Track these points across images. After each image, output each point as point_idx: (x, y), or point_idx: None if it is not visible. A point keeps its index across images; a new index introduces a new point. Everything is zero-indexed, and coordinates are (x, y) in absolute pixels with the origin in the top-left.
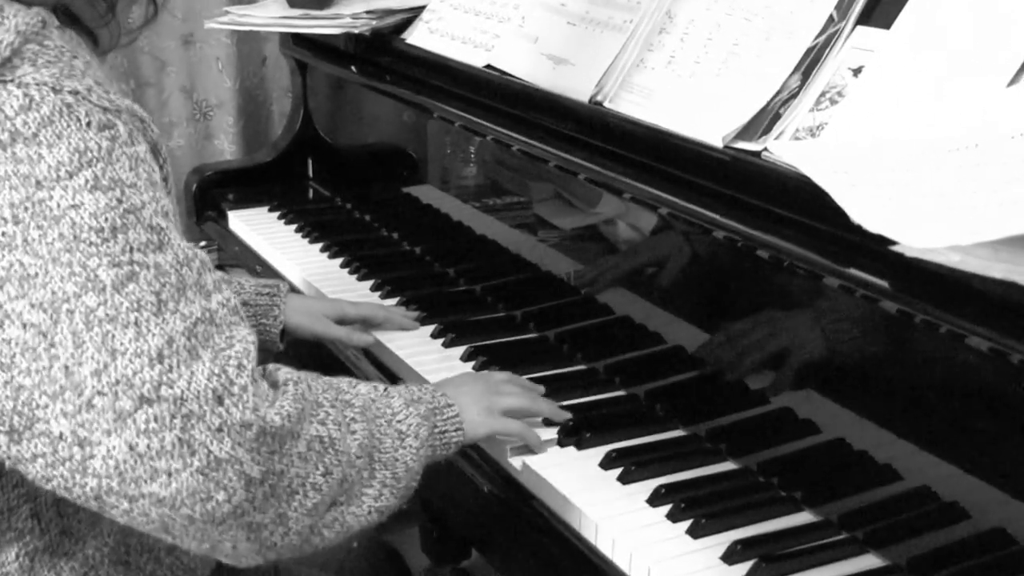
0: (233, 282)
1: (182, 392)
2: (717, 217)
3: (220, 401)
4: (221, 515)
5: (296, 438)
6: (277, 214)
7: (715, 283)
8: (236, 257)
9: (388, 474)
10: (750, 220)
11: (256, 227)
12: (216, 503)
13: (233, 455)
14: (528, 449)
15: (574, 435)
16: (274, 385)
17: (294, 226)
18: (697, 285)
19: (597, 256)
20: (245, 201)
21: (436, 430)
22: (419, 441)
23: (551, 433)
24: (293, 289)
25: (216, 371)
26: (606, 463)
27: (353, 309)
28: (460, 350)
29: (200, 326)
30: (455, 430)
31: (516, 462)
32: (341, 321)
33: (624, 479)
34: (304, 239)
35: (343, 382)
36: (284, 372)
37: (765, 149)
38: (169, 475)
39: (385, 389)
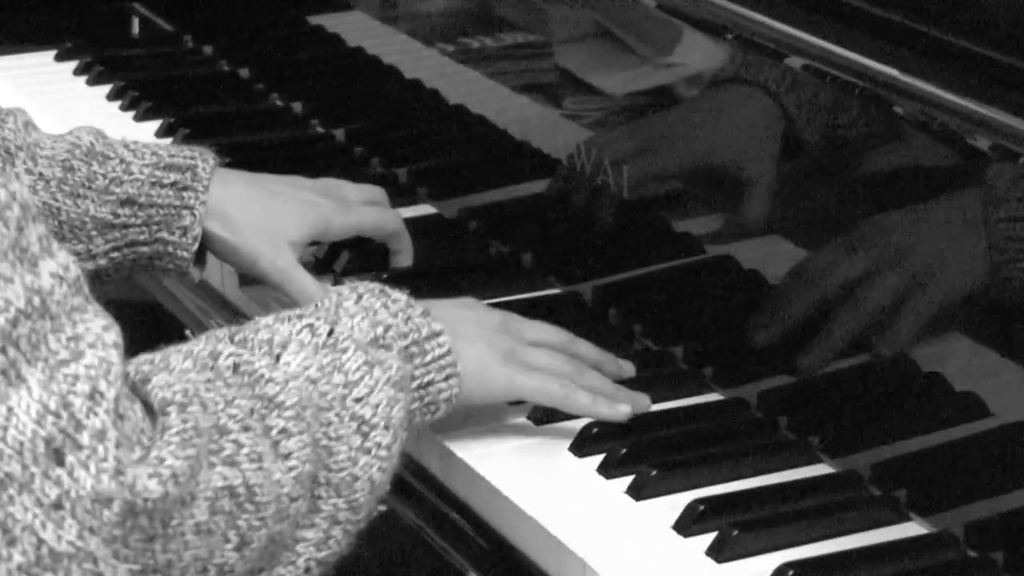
0: (116, 153)
1: None
2: (895, 74)
3: (58, 458)
4: None
5: (189, 503)
6: (73, 66)
7: (888, 189)
8: None
9: (341, 503)
10: (947, 74)
11: (33, 90)
12: None
13: (82, 548)
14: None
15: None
16: (149, 410)
17: (106, 88)
18: (857, 191)
19: (671, 142)
20: (9, 40)
21: (415, 383)
22: (392, 431)
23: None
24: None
25: (52, 405)
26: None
27: (343, 219)
28: None
29: (23, 324)
30: (444, 379)
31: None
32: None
33: None
34: (127, 113)
35: (259, 349)
36: (158, 384)
37: None
38: None
39: (330, 331)
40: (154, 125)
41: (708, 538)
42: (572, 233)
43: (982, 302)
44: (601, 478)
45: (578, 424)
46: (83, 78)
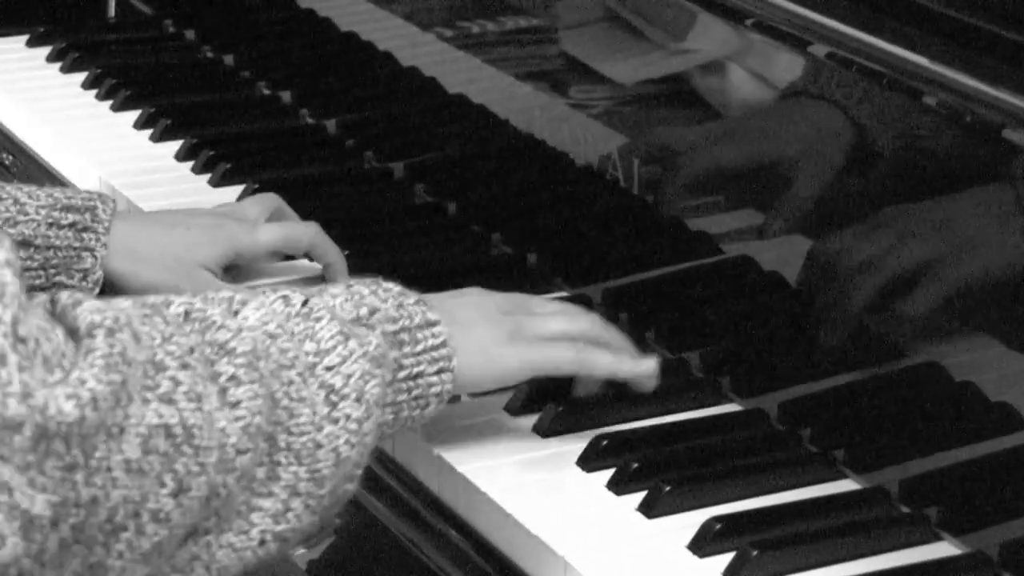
0: (8, 194)
1: None
2: (923, 62)
3: None
4: None
5: (117, 436)
6: (47, 52)
7: (918, 184)
8: None
9: (303, 472)
10: (982, 64)
11: (3, 78)
12: None
13: None
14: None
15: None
16: (73, 333)
17: (82, 76)
18: (881, 187)
19: (686, 137)
20: None
21: (402, 374)
22: (364, 406)
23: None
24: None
25: None
26: None
27: (250, 238)
28: None
29: None
30: (436, 372)
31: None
32: (233, 265)
33: None
34: (103, 103)
35: (217, 303)
36: (89, 308)
37: None
38: None
39: (305, 302)
40: (132, 115)
41: (726, 558)
42: (580, 232)
43: (1017, 306)
44: (611, 494)
45: (586, 437)
46: (57, 65)
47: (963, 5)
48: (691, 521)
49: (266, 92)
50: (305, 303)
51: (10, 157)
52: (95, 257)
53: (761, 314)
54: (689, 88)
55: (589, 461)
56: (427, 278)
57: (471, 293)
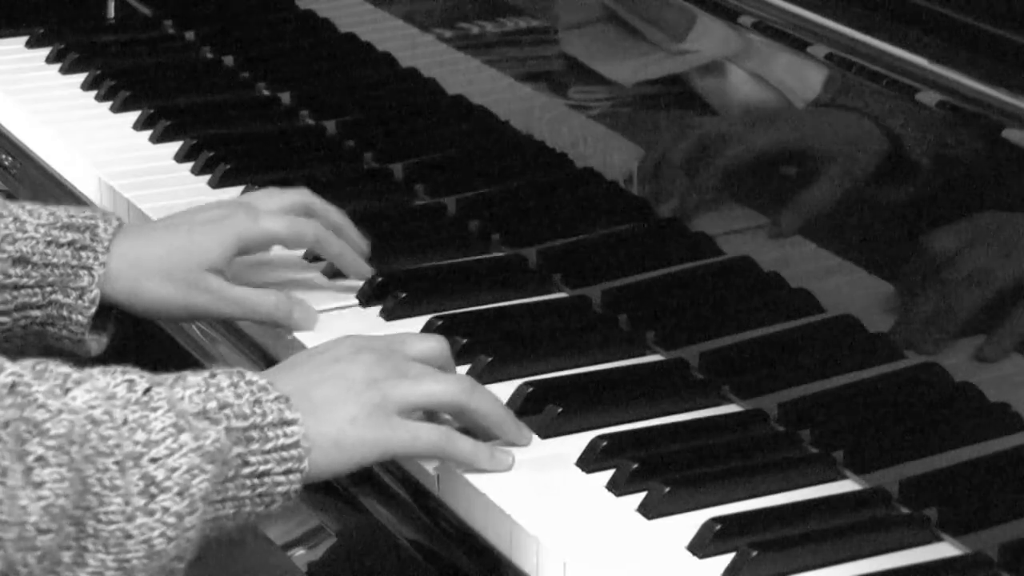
0: (9, 212)
1: None
2: (923, 62)
3: None
4: None
5: None
6: (46, 53)
7: (932, 201)
8: None
9: (110, 561)
10: (982, 63)
11: (3, 79)
12: None
13: None
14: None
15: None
16: None
17: (81, 77)
18: (887, 191)
19: (687, 140)
20: None
21: (247, 471)
22: (187, 500)
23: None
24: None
25: None
26: None
27: (255, 226)
28: (415, 322)
29: None
30: (284, 472)
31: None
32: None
33: None
34: (103, 104)
35: (49, 379)
36: None
37: None
38: None
39: (148, 389)
40: (132, 116)
41: (726, 559)
42: (580, 232)
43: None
44: (611, 495)
45: (586, 437)
46: (56, 66)
47: (963, 5)
48: (691, 521)
49: (266, 93)
50: (147, 391)
51: (10, 158)
52: (92, 276)
53: (761, 314)
54: (689, 89)
55: (589, 462)
56: (427, 279)
57: (340, 358)
